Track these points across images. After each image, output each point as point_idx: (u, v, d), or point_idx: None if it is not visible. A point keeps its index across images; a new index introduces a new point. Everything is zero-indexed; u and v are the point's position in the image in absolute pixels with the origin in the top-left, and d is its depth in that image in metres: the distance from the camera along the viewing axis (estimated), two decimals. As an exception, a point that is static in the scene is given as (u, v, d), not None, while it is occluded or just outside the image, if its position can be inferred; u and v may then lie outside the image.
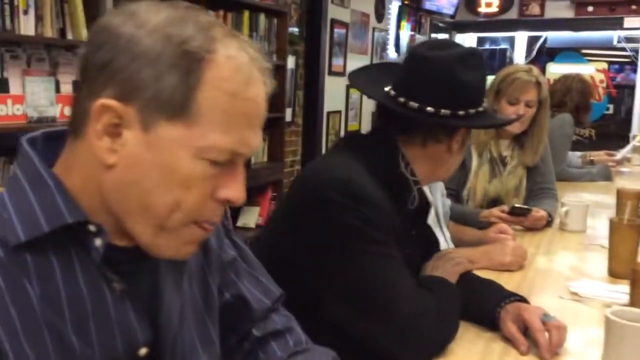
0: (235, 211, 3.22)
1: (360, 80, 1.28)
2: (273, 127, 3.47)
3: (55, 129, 0.71)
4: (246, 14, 3.09)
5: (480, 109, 1.18)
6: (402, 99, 1.15)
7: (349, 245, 1.06)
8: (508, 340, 1.15)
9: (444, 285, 1.19)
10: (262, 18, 3.22)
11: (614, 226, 1.56)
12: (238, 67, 0.63)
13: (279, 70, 3.42)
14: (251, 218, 3.25)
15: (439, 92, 1.13)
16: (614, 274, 1.56)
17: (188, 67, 0.61)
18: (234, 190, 0.66)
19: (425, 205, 1.26)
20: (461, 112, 1.14)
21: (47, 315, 0.62)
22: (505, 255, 1.59)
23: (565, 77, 3.42)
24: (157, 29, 0.61)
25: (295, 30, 3.93)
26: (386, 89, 1.20)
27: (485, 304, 1.20)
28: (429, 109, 1.13)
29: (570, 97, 3.27)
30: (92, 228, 0.65)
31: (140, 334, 0.70)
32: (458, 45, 1.21)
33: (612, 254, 1.58)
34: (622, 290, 1.40)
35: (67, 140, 0.67)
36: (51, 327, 0.62)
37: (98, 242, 0.65)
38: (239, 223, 3.23)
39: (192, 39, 0.61)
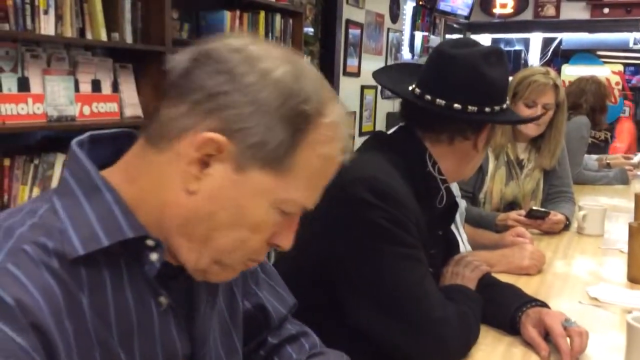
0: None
1: (383, 80, 1.28)
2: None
3: (101, 132, 0.70)
4: (262, 14, 3.09)
5: (504, 105, 1.19)
6: (428, 97, 1.16)
7: (376, 245, 1.06)
8: (529, 345, 1.15)
9: (465, 293, 1.20)
10: (277, 18, 3.22)
11: (633, 231, 1.55)
12: (336, 134, 0.65)
13: (294, 71, 3.42)
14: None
15: (466, 89, 1.14)
16: (634, 280, 1.55)
17: (299, 126, 0.62)
18: (288, 239, 0.69)
19: (453, 204, 1.26)
20: (487, 109, 1.15)
21: (98, 330, 0.62)
22: (523, 259, 1.59)
23: (580, 79, 3.41)
24: (280, 82, 0.62)
25: (310, 30, 3.93)
26: (410, 87, 1.20)
27: (506, 308, 1.20)
28: (456, 105, 1.13)
29: (585, 99, 3.26)
30: (150, 243, 0.65)
31: (180, 347, 0.70)
32: (480, 44, 1.21)
33: (631, 259, 1.57)
34: (641, 296, 1.40)
35: (136, 146, 0.67)
36: (101, 342, 0.62)
37: (154, 256, 0.65)
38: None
39: (309, 99, 0.63)
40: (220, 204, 0.63)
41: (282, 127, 0.62)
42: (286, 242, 0.69)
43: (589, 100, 3.24)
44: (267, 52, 0.64)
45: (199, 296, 0.74)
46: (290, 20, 3.35)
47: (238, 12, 2.92)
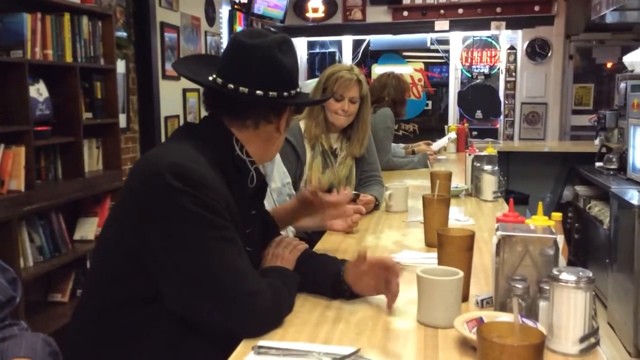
0: (71, 223, 3.05)
1: (183, 70, 1.32)
2: (107, 133, 3.32)
3: None
4: (67, 16, 2.94)
5: (298, 89, 1.31)
6: (231, 86, 1.23)
7: (186, 230, 1.10)
8: (340, 309, 1.28)
9: (281, 272, 1.30)
10: (84, 21, 3.08)
11: (426, 202, 1.78)
12: None
13: (108, 75, 3.30)
14: (89, 230, 3.09)
15: (265, 76, 1.23)
16: (429, 243, 1.78)
17: None
18: None
19: (263, 184, 1.35)
20: (285, 93, 1.26)
21: None
22: (333, 224, 1.84)
23: (381, 75, 3.75)
24: None
25: (123, 34, 3.82)
26: (210, 77, 1.26)
27: (328, 273, 1.33)
28: (258, 92, 1.22)
29: (387, 92, 3.59)
30: None
31: None
32: (272, 33, 1.31)
33: (426, 226, 1.80)
34: (434, 256, 1.61)
35: None
36: None
37: None
38: (76, 236, 3.05)
39: None
40: None
41: None
42: None
43: (390, 94, 3.58)
44: None
45: None
46: (100, 23, 3.23)
47: (39, 15, 2.76)
